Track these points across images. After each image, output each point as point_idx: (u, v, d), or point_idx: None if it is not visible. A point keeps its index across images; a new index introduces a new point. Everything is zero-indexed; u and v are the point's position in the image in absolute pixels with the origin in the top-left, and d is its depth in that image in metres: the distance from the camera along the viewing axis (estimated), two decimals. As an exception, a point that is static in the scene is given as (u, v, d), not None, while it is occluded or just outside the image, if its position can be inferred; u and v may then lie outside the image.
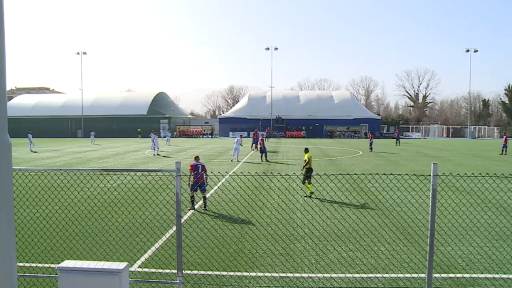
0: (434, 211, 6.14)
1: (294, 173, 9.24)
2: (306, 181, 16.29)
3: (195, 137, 79.47)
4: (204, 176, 13.56)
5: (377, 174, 7.03)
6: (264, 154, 31.80)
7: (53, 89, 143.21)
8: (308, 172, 16.25)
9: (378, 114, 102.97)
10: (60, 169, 6.91)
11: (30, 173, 17.31)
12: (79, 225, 11.23)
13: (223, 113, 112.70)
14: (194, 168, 13.74)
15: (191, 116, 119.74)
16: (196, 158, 14.26)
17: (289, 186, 16.78)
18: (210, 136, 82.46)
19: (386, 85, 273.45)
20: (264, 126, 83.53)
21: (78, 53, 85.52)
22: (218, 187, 17.87)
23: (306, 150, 17.25)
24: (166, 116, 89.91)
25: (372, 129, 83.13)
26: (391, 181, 8.06)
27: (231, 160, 31.40)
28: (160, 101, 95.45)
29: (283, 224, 11.40)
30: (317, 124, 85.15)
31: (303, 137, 79.46)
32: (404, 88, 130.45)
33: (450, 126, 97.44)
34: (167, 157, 35.34)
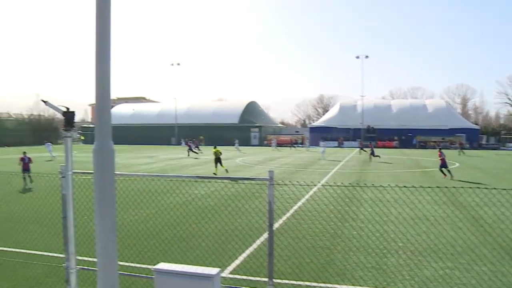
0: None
1: (389, 184, 8.88)
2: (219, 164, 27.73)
3: (285, 146, 77.25)
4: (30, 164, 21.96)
5: (478, 187, 6.53)
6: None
7: (149, 99, 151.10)
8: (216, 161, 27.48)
9: (476, 124, 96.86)
10: (157, 175, 7.18)
11: (130, 178, 18.30)
12: (174, 229, 11.61)
13: (313, 122, 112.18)
14: (23, 160, 21.95)
15: (282, 125, 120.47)
16: (24, 153, 22.58)
17: (383, 198, 16.22)
18: (300, 145, 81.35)
19: (485, 92, 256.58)
20: (355, 136, 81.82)
21: (172, 64, 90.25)
22: (310, 196, 17.70)
23: (215, 147, 27.95)
24: (257, 125, 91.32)
25: (470, 139, 78.38)
26: (494, 196, 7.47)
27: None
28: (251, 110, 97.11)
29: (376, 236, 10.99)
30: (409, 134, 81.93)
31: (395, 147, 76.78)
32: (507, 95, 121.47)
33: None
34: (258, 165, 35.74)
